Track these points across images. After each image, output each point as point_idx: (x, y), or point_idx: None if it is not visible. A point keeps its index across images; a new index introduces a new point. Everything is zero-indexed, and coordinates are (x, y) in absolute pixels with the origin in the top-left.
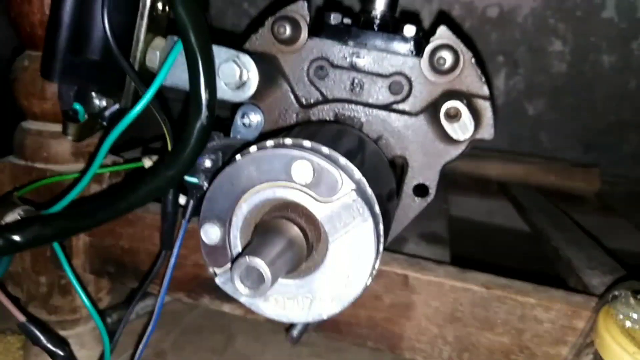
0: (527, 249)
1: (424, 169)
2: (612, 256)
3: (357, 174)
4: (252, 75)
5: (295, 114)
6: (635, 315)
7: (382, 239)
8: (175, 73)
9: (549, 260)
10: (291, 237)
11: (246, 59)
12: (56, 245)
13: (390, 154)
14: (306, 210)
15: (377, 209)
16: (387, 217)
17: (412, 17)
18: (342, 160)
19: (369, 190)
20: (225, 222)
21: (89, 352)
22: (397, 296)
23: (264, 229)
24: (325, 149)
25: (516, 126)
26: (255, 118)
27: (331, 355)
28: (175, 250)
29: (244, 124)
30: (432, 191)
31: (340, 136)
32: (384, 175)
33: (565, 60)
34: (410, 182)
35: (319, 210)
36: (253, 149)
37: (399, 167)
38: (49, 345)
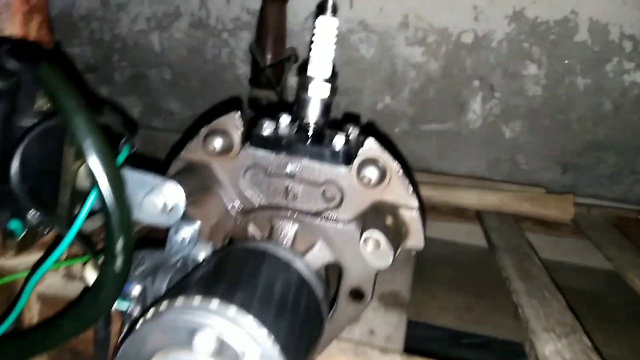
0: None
1: (359, 274)
2: (571, 309)
3: (264, 337)
4: (178, 200)
5: (232, 219)
6: None
7: None
8: None
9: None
10: None
11: (171, 187)
12: None
13: (326, 259)
14: None
15: None
16: (314, 335)
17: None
18: (248, 323)
19: (277, 352)
20: None
21: None
22: None
23: None
24: (231, 311)
25: (494, 149)
26: (189, 232)
27: None
28: None
29: (177, 239)
30: (368, 295)
31: (256, 274)
32: (308, 302)
33: (541, 84)
34: (346, 286)
35: None
36: (163, 307)
37: (335, 271)
38: None
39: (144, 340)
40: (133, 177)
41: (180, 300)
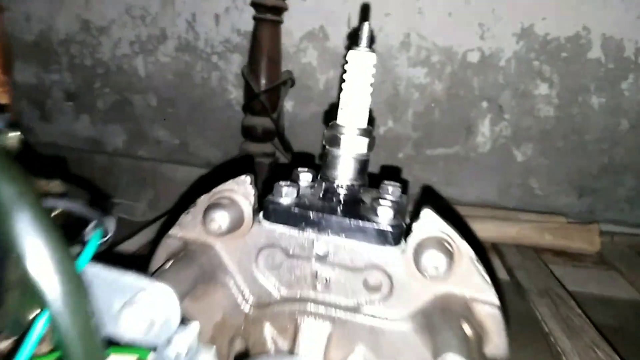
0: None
1: None
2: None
3: None
4: (170, 313)
5: (243, 316)
6: None
7: None
8: None
9: None
10: None
11: (157, 292)
12: None
13: None
14: None
15: None
16: None
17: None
18: None
19: None
20: None
21: None
22: None
23: None
24: None
25: (505, 174)
26: (184, 342)
27: None
28: None
29: (169, 356)
30: None
31: None
32: None
33: (553, 104)
34: None
35: None
36: None
37: None
38: None
39: None
40: (106, 279)
41: None
